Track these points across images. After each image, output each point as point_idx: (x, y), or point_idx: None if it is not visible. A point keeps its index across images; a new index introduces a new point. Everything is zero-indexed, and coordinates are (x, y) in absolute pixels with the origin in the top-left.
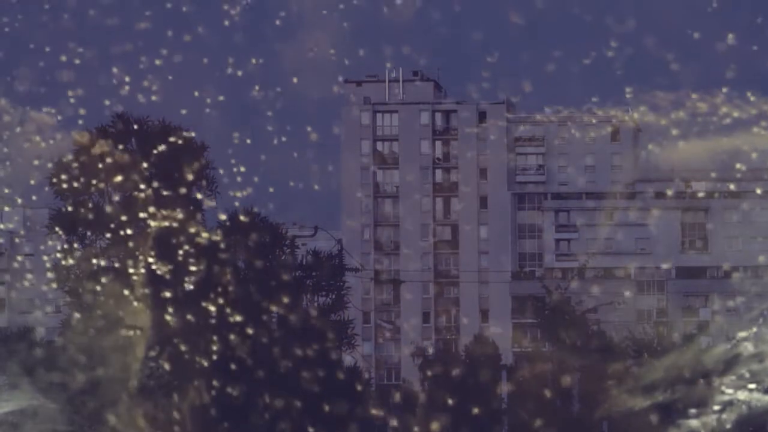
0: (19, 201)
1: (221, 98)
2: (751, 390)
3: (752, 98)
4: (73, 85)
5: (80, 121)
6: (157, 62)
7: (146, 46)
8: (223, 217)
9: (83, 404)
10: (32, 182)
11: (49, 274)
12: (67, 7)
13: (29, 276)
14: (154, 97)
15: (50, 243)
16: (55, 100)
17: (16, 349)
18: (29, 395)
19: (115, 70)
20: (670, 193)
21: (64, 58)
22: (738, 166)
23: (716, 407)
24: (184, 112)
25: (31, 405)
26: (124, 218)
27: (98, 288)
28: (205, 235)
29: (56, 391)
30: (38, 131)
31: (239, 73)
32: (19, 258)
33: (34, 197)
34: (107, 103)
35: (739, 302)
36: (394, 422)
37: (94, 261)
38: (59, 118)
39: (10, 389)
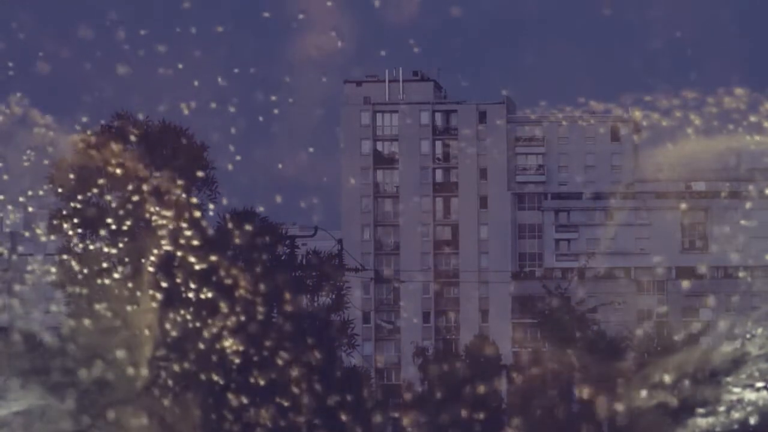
0: (24, 200)
1: (221, 98)
2: (758, 389)
3: (753, 97)
4: (73, 85)
5: (80, 121)
6: (157, 61)
7: (146, 45)
8: (223, 217)
9: (90, 404)
10: (32, 182)
11: (50, 274)
12: (68, 7)
13: (30, 276)
14: (153, 97)
15: (50, 243)
16: (55, 99)
17: (19, 348)
18: (35, 395)
19: (114, 69)
20: (669, 193)
21: (63, 57)
22: (738, 166)
23: (719, 407)
24: (183, 112)
25: (37, 405)
26: (124, 218)
27: (100, 288)
28: (204, 235)
29: (62, 390)
30: (38, 130)
31: (239, 72)
32: (20, 258)
33: (31, 194)
34: (108, 103)
35: (740, 302)
36: (394, 420)
37: (95, 261)
38: (59, 117)
39: (15, 389)
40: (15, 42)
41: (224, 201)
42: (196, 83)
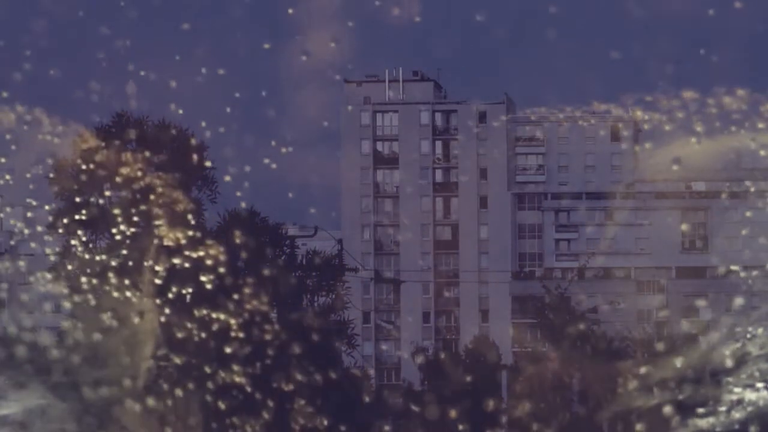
0: (30, 209)
1: (221, 98)
2: (758, 389)
3: (754, 98)
4: (72, 85)
5: (80, 123)
6: (157, 62)
7: (146, 45)
8: (224, 217)
9: (91, 404)
10: (32, 182)
11: (51, 274)
12: (68, 9)
13: (30, 276)
14: (153, 97)
15: (51, 243)
16: (55, 100)
17: (20, 348)
18: (36, 395)
19: (114, 69)
20: (669, 193)
21: (63, 58)
22: (739, 166)
23: (719, 407)
24: (183, 112)
25: (38, 405)
26: (123, 218)
27: (101, 288)
28: (204, 235)
29: (63, 390)
30: (38, 130)
31: (239, 72)
32: (21, 259)
33: (33, 200)
34: (109, 107)
35: (740, 302)
36: (393, 420)
37: (96, 261)
38: (59, 117)
39: (16, 389)
40: (15, 44)
41: (223, 201)
42: (194, 83)
